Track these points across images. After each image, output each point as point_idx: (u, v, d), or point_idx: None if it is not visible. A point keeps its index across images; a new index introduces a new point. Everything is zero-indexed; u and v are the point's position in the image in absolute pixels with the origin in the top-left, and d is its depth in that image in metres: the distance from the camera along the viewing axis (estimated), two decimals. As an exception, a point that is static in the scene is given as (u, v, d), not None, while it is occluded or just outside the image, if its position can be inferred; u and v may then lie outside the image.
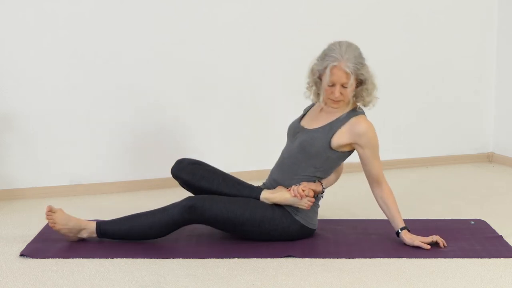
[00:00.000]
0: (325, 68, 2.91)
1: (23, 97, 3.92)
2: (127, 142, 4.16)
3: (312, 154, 3.03)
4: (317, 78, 3.01)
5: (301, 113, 3.27)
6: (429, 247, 2.97)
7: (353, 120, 3.00)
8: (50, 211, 2.98)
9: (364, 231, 3.26)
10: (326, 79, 2.92)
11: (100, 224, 3.02)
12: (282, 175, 3.11)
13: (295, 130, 3.13)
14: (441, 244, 3.00)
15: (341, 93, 2.92)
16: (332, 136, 3.00)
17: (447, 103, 4.93)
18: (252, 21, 4.36)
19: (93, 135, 4.08)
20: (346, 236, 3.19)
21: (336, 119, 3.03)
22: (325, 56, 2.93)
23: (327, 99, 2.98)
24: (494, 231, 3.26)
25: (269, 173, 3.24)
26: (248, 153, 4.43)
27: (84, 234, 3.03)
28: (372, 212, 3.53)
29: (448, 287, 2.58)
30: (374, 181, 3.06)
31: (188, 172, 3.13)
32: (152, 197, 3.97)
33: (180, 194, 3.22)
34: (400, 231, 3.02)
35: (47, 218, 2.99)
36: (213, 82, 4.31)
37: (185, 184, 3.17)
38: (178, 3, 4.16)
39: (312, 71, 3.01)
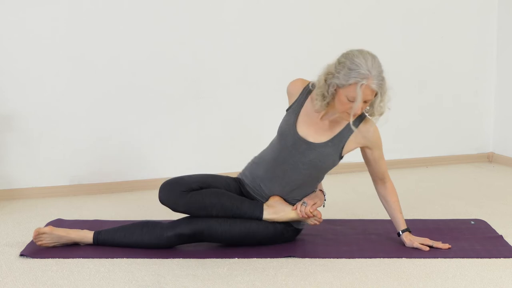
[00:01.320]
0: (351, 84, 2.74)
1: (23, 97, 3.92)
2: (127, 142, 4.16)
3: (323, 168, 2.99)
4: (333, 90, 2.81)
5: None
6: (427, 249, 2.96)
7: (361, 126, 2.92)
8: (38, 234, 2.91)
9: (364, 231, 3.26)
10: (351, 96, 2.75)
11: (98, 235, 2.97)
12: (281, 188, 3.01)
13: (294, 141, 2.96)
14: (443, 247, 3.00)
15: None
16: (343, 147, 2.95)
17: (447, 103, 4.93)
18: (252, 21, 4.36)
19: (93, 135, 4.08)
20: (346, 236, 3.19)
21: (344, 128, 2.95)
22: (349, 71, 2.73)
23: (343, 112, 2.83)
24: (494, 231, 3.26)
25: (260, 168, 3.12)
26: (249, 153, 4.41)
27: (81, 244, 3.00)
28: (372, 212, 3.53)
29: (448, 287, 2.58)
30: (378, 179, 3.05)
31: (183, 205, 2.94)
32: (151, 198, 3.96)
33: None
34: (401, 232, 3.02)
35: (36, 242, 2.92)
36: (213, 82, 4.31)
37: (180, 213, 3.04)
38: (178, 3, 4.16)
39: (326, 81, 2.82)
